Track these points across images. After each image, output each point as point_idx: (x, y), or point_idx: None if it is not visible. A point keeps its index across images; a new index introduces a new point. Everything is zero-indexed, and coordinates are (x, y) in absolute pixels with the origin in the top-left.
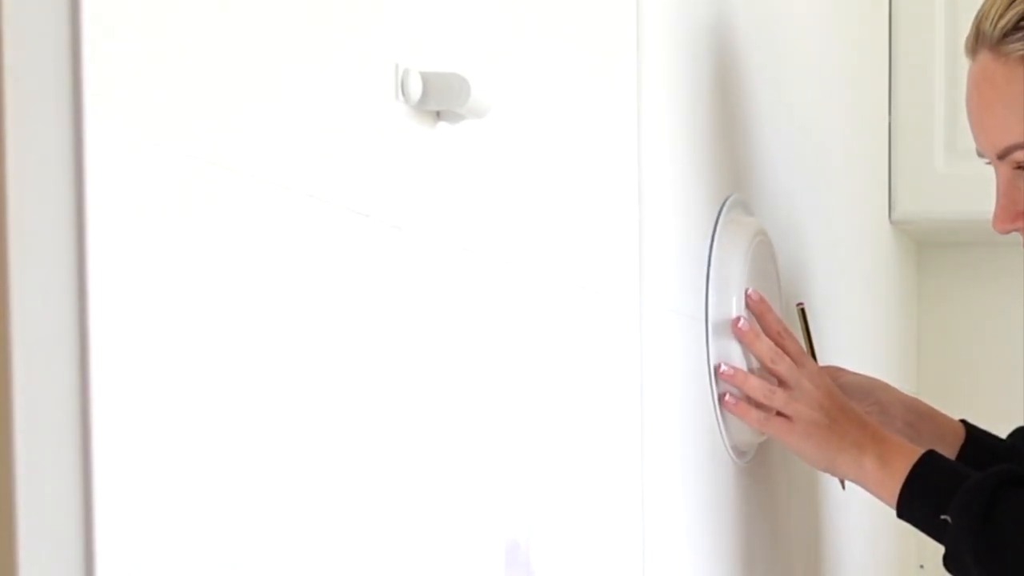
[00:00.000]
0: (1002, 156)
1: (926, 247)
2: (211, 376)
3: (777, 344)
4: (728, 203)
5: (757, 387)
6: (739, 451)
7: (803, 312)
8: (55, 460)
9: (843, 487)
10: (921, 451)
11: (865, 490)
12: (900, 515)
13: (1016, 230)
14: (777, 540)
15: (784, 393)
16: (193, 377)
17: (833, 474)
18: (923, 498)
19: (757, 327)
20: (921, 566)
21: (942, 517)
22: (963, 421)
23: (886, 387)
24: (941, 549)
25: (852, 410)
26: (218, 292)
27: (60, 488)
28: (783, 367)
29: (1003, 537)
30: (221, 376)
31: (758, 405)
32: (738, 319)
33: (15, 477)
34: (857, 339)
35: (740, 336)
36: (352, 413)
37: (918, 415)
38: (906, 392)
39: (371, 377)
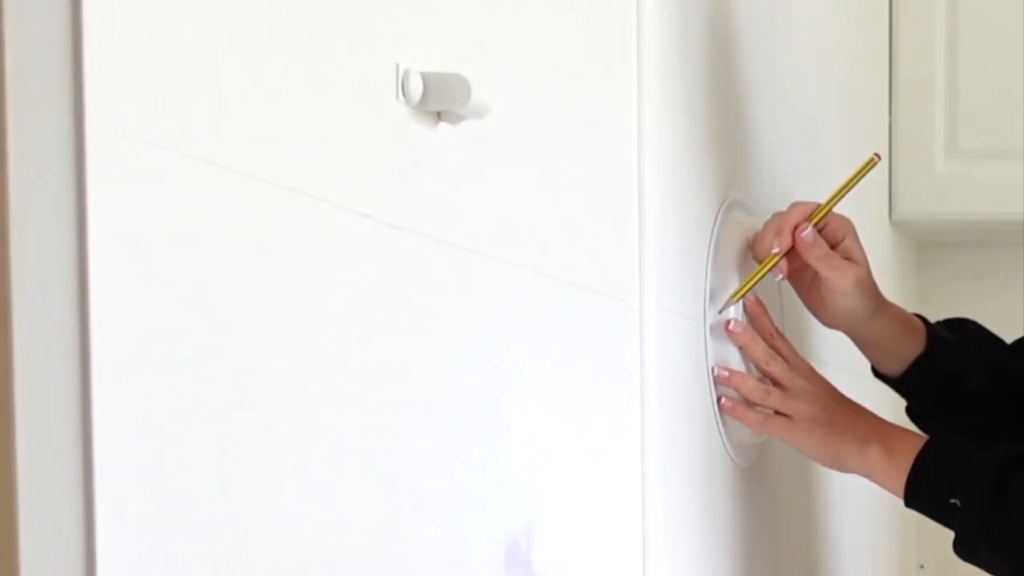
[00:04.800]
0: None
1: (926, 247)
2: (211, 376)
3: (770, 346)
4: (727, 203)
5: (753, 388)
6: (739, 452)
7: (871, 164)
8: (55, 462)
9: None
10: (925, 438)
11: (871, 481)
12: (908, 503)
13: None
14: (777, 540)
15: (780, 392)
16: (193, 377)
17: (839, 468)
18: (930, 485)
19: (752, 329)
20: (921, 566)
21: (951, 501)
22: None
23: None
24: (941, 549)
25: (850, 403)
26: (218, 292)
27: (61, 489)
28: (777, 368)
29: (1013, 517)
30: (221, 376)
31: (756, 406)
32: (729, 321)
33: (16, 477)
34: None
35: (733, 338)
36: (352, 413)
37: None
38: None
39: (371, 377)
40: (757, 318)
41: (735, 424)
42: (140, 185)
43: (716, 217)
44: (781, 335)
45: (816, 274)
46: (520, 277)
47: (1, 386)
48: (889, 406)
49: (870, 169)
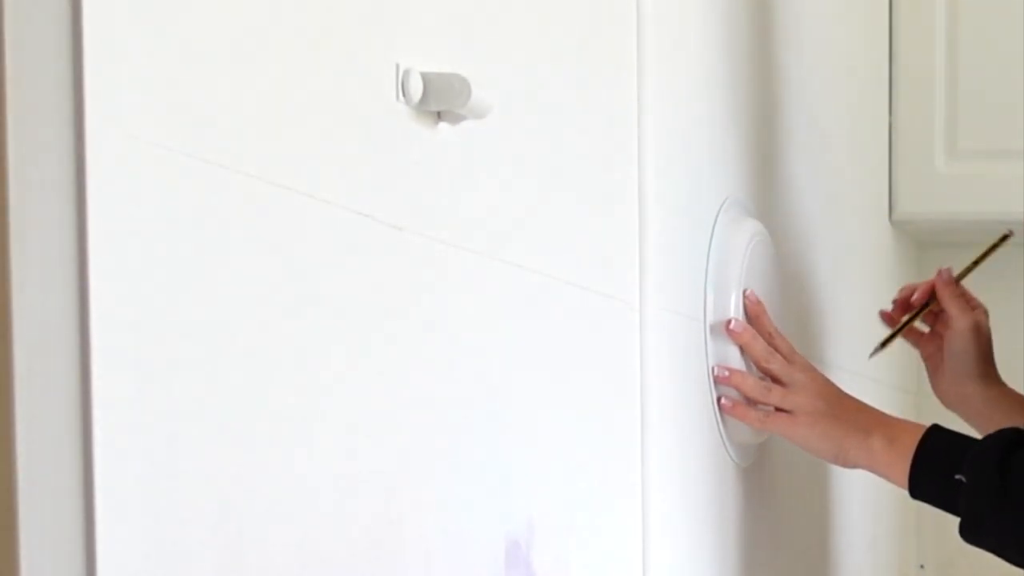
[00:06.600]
0: None
1: (926, 247)
2: (211, 376)
3: (769, 344)
4: (727, 203)
5: (753, 386)
6: (740, 451)
7: (1005, 238)
8: (55, 462)
9: None
10: (927, 426)
11: (875, 474)
12: (912, 492)
13: None
14: (778, 540)
15: (780, 389)
16: (193, 377)
17: (842, 463)
18: (934, 466)
19: (752, 328)
20: (921, 566)
21: (956, 477)
22: None
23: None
24: (941, 549)
25: (849, 397)
26: (218, 292)
27: (61, 489)
28: (776, 365)
29: (1018, 490)
30: (220, 376)
31: (756, 404)
32: (730, 320)
33: (16, 477)
34: (857, 339)
35: (733, 337)
36: (352, 412)
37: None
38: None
39: (372, 377)
40: (756, 318)
41: (735, 424)
42: (140, 185)
43: (716, 217)
44: (780, 334)
45: (942, 346)
46: (520, 277)
47: (1, 386)
48: (889, 407)
49: (1002, 244)
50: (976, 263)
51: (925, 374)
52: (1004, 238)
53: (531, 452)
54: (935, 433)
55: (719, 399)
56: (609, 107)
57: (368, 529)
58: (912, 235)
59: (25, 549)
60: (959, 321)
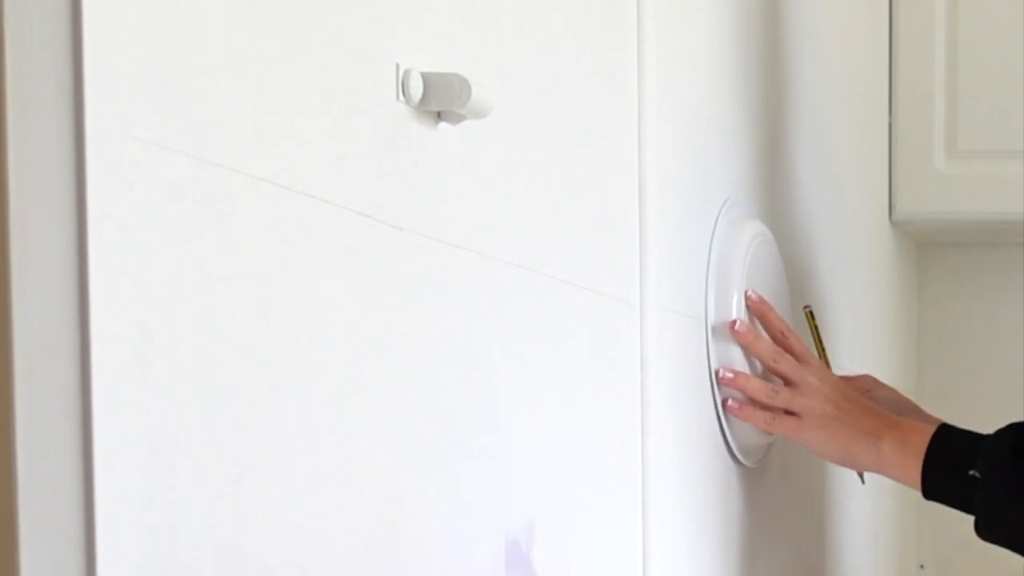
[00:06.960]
0: None
1: (926, 247)
2: (211, 376)
3: (780, 343)
4: (728, 203)
5: (759, 388)
6: (743, 452)
7: (811, 315)
8: (55, 462)
9: (862, 481)
10: (933, 426)
11: (886, 476)
12: (925, 492)
13: None
14: (778, 540)
15: (788, 391)
16: (193, 377)
17: (851, 466)
18: (947, 467)
19: (755, 328)
20: (921, 566)
21: (970, 473)
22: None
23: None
24: (941, 549)
25: (861, 400)
26: (218, 292)
27: (61, 489)
28: (785, 365)
29: None
30: (221, 376)
31: (763, 406)
32: (735, 321)
33: (16, 477)
34: (857, 339)
35: (739, 338)
36: (352, 412)
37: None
38: (907, 393)
39: (371, 376)
40: (765, 317)
41: (739, 425)
42: (140, 185)
43: (716, 217)
44: (792, 332)
45: None
46: (520, 277)
47: (1, 386)
48: None
49: (811, 319)
50: (822, 348)
51: (923, 374)
52: (810, 315)
53: (531, 452)
54: (944, 432)
55: (725, 400)
56: (610, 107)
57: (368, 529)
58: (912, 235)
59: (25, 549)
60: (862, 383)
